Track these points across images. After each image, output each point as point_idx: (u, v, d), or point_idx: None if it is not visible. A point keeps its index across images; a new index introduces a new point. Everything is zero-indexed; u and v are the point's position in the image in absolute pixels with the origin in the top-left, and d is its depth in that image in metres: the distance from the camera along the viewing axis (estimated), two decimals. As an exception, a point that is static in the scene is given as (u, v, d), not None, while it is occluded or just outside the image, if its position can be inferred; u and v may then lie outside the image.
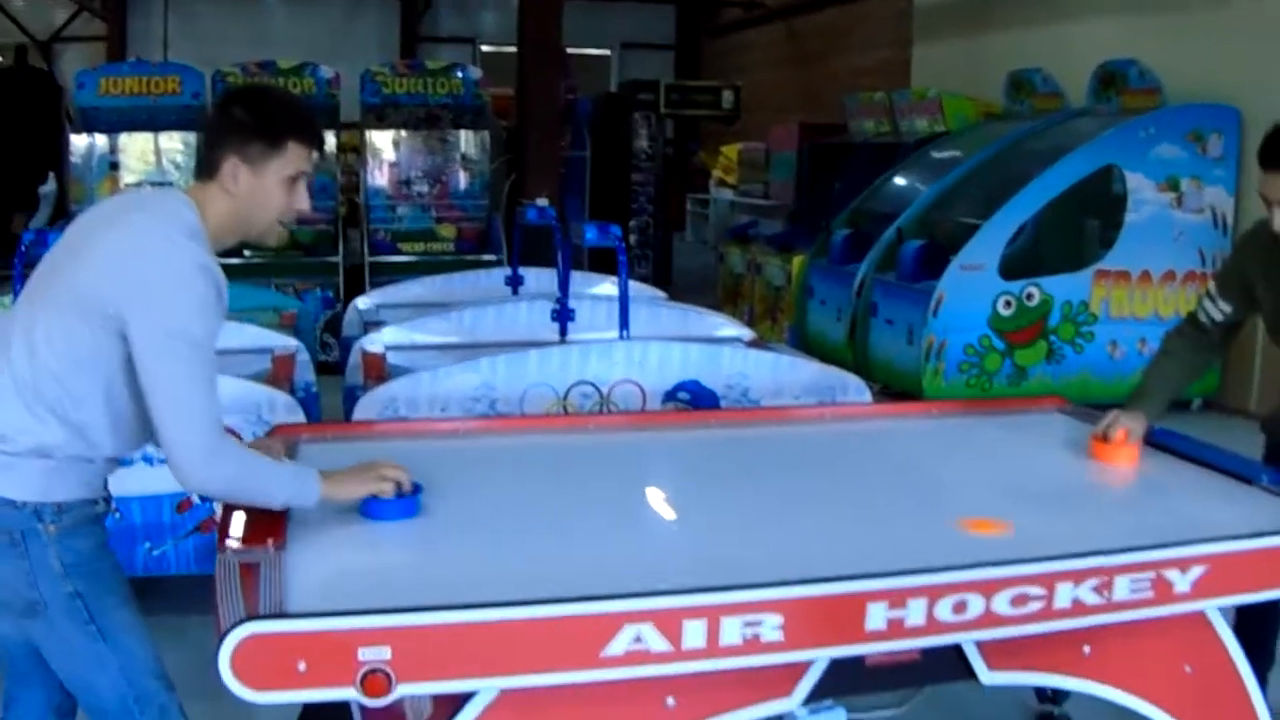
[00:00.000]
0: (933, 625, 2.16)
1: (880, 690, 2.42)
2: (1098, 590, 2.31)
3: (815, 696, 2.23)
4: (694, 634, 1.97)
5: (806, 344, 8.50)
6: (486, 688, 1.91)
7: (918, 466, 3.13)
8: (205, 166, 2.33)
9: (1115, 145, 7.56)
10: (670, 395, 4.55)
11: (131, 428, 2.28)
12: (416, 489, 2.43)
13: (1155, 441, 3.18)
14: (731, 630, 2.00)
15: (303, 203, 2.36)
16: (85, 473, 2.29)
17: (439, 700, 2.07)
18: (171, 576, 4.06)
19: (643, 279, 8.55)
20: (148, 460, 3.57)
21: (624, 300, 4.60)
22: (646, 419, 3.74)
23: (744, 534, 2.50)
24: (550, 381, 4.37)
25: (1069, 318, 7.63)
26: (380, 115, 9.11)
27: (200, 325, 2.17)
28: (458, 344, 5.20)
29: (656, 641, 1.95)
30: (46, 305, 2.22)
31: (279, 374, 4.34)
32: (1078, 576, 2.29)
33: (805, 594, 2.05)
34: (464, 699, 1.97)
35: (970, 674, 2.37)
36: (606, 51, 19.10)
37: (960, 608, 2.18)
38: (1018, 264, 7.63)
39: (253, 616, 1.76)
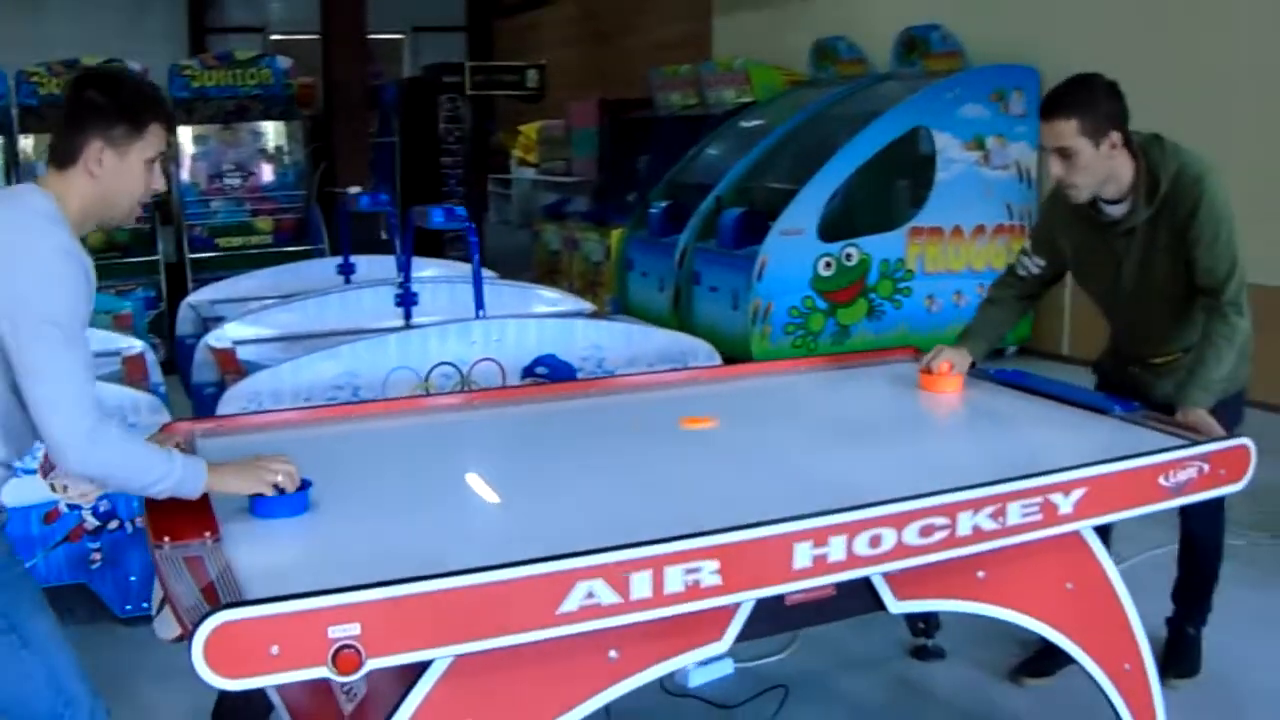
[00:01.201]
0: (851, 560, 2.29)
1: (798, 627, 2.54)
2: (993, 516, 2.48)
3: (742, 638, 2.33)
4: (640, 585, 2.04)
5: (629, 315, 8.61)
6: (442, 656, 1.94)
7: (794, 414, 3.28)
8: (62, 153, 2.27)
9: (923, 107, 7.90)
10: (529, 370, 4.59)
11: (21, 430, 2.22)
12: (305, 484, 2.35)
13: (1021, 383, 3.40)
14: (674, 579, 2.08)
15: (159, 183, 2.36)
16: None
17: (381, 676, 2.08)
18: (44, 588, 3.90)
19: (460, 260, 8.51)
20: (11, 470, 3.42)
21: (478, 280, 4.62)
22: (512, 394, 3.77)
23: (643, 494, 2.58)
24: (411, 364, 4.36)
25: (887, 275, 7.95)
26: (189, 109, 8.86)
27: (70, 310, 2.14)
28: (305, 334, 5.13)
29: (607, 595, 2.01)
30: None
31: (133, 375, 4.21)
32: (975, 505, 2.45)
33: (740, 539, 2.14)
34: (415, 672, 2.01)
35: (880, 605, 2.50)
36: (399, 35, 18.82)
37: (875, 541, 2.31)
38: (835, 226, 7.90)
39: (224, 605, 1.75)
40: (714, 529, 2.12)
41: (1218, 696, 3.51)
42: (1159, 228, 3.19)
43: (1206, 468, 2.81)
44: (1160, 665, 2.99)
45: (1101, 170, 3.11)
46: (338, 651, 1.81)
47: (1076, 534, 2.74)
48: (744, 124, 9.45)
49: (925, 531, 2.37)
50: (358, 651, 1.82)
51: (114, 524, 3.92)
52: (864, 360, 3.91)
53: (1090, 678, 2.84)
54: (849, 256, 7.85)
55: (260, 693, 2.58)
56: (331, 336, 5.05)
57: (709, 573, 2.11)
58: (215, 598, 1.86)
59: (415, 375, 4.35)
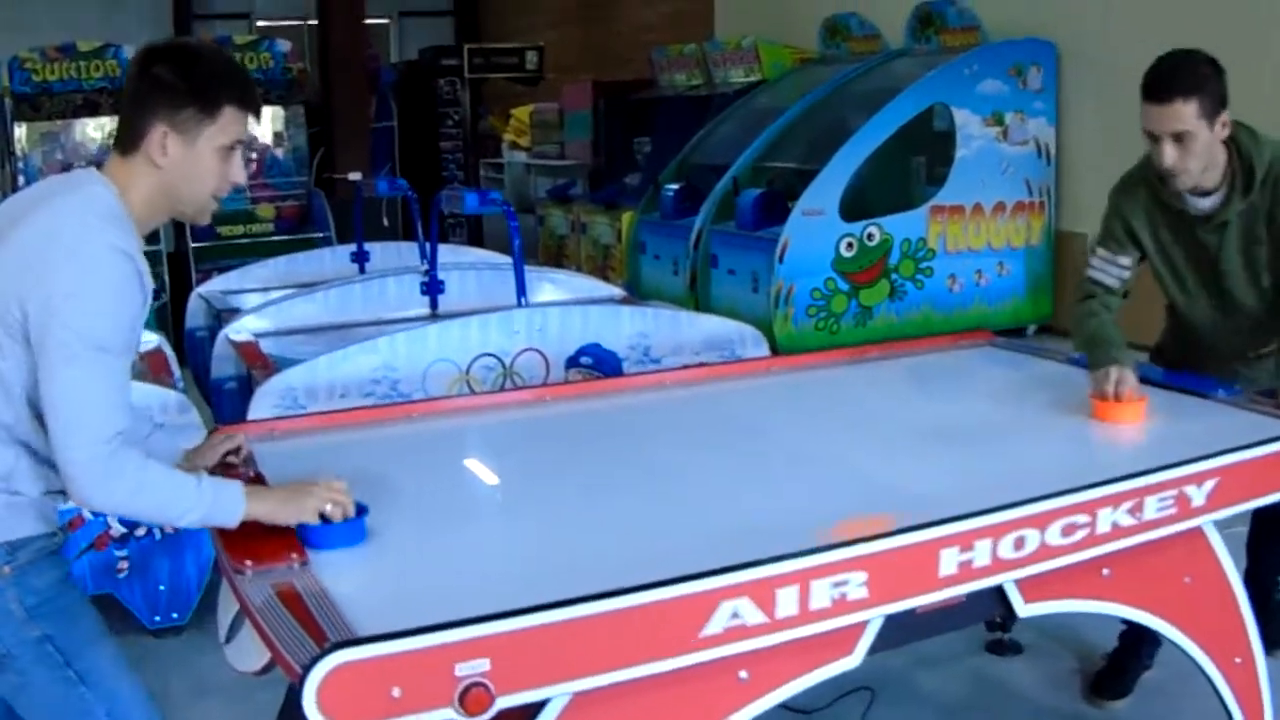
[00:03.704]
0: (996, 564, 2.12)
1: (926, 637, 2.35)
2: (1131, 512, 2.31)
3: (873, 651, 2.14)
4: (787, 602, 1.86)
5: (643, 299, 8.43)
6: (579, 689, 1.73)
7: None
8: (125, 138, 2.01)
9: (942, 83, 7.69)
10: (573, 361, 4.38)
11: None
12: (361, 510, 2.08)
13: None
14: (821, 593, 1.89)
15: (239, 175, 2.07)
16: (40, 503, 2.00)
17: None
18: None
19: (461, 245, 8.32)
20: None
21: (519, 266, 4.41)
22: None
23: (762, 495, 2.39)
24: (451, 357, 4.15)
25: (908, 254, 7.76)
26: (35, 106, 8.37)
27: (108, 320, 1.89)
28: (328, 326, 4.92)
29: (752, 614, 1.83)
30: None
31: (155, 371, 3.98)
32: (1115, 500, 2.28)
33: (887, 546, 1.96)
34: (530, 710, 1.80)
35: (1008, 609, 2.33)
36: (385, 20, 18.52)
37: (1019, 544, 2.14)
38: (855, 206, 7.70)
39: (338, 643, 1.54)
40: (861, 537, 1.92)
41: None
42: (1257, 218, 3.01)
43: None
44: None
45: (1209, 154, 2.91)
46: (466, 690, 1.60)
47: (1199, 527, 2.58)
48: (755, 103, 9.21)
49: (1067, 531, 2.21)
50: (487, 689, 1.61)
51: (141, 530, 3.69)
52: (935, 346, 3.71)
53: (1201, 671, 2.69)
54: (870, 236, 7.65)
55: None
56: (356, 328, 4.85)
57: (856, 585, 1.92)
58: (320, 633, 1.64)
59: (456, 368, 4.14)
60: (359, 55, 9.54)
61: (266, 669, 1.96)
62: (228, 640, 2.11)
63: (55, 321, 1.86)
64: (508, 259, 6.23)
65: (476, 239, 11.24)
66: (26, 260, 1.90)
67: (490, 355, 4.20)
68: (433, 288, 5.17)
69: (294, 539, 1.99)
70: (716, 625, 1.79)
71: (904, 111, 7.63)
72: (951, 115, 7.75)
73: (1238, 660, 2.75)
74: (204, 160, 2.02)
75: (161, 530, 3.70)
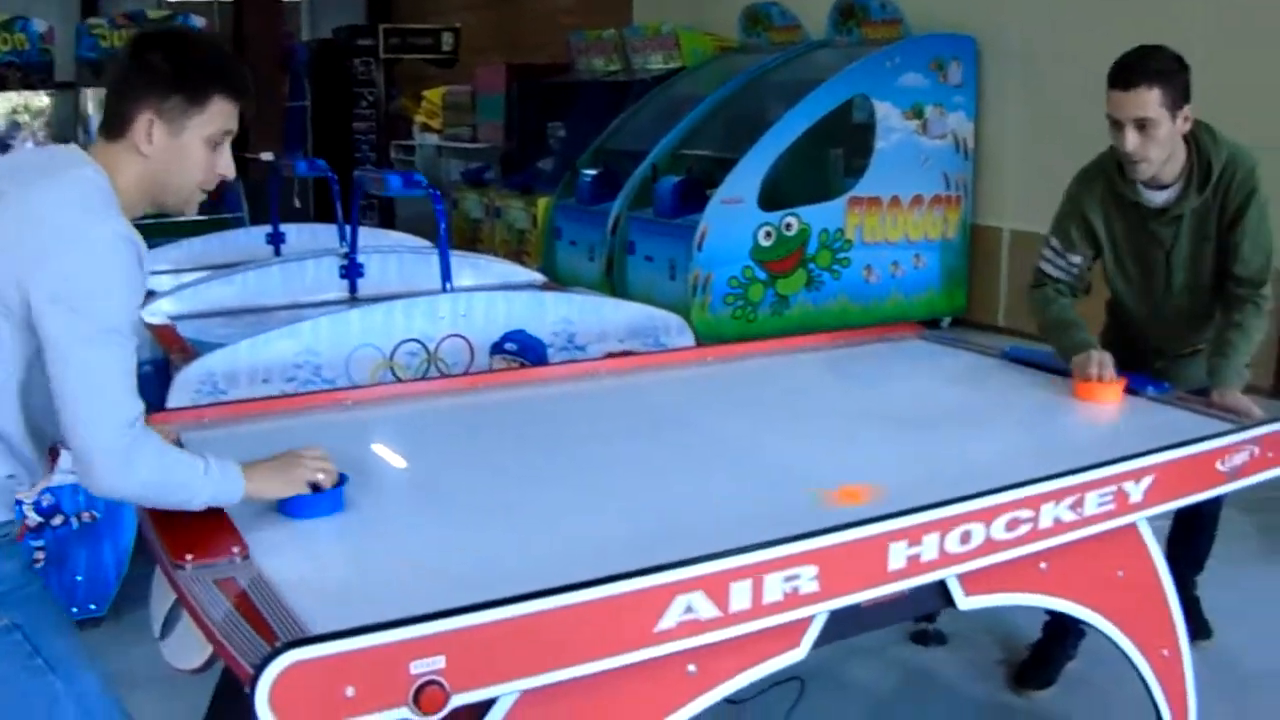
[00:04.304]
0: (944, 558, 2.13)
1: (868, 630, 2.35)
2: (1073, 507, 2.34)
3: (818, 645, 2.13)
4: (740, 596, 1.84)
5: (558, 285, 8.38)
6: (533, 685, 1.69)
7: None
8: (112, 122, 1.95)
9: (863, 75, 7.76)
10: (498, 347, 4.32)
11: (43, 434, 1.92)
12: (341, 479, 2.13)
13: (1043, 363, 3.24)
14: (774, 587, 1.87)
15: (227, 168, 2.01)
16: (3, 487, 1.93)
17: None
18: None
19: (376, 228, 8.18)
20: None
21: (444, 251, 4.33)
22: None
23: (703, 487, 2.36)
24: (375, 342, 4.06)
25: (826, 245, 7.81)
26: (97, 71, 8.31)
27: (121, 307, 1.84)
28: (246, 309, 4.79)
29: (706, 608, 1.80)
30: None
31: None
32: (1058, 495, 2.30)
33: (838, 540, 1.95)
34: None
35: (949, 603, 2.34)
36: (296, -2, 18.23)
37: (966, 537, 2.15)
38: (774, 195, 7.73)
39: (290, 643, 1.48)
40: (811, 531, 1.91)
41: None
42: (1209, 215, 3.08)
43: (1257, 451, 2.74)
44: None
45: (1170, 146, 2.98)
46: (421, 689, 1.55)
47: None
48: (674, 91, 9.20)
49: (1011, 525, 2.22)
50: (442, 687, 1.57)
51: (58, 520, 3.56)
52: (865, 337, 3.72)
53: (1129, 662, 2.74)
54: (789, 226, 7.69)
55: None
56: (274, 311, 4.74)
57: (808, 579, 1.91)
58: (270, 632, 1.58)
59: (380, 353, 4.05)
60: (273, 32, 9.37)
61: (206, 666, 1.90)
62: (162, 636, 2.03)
63: (65, 308, 1.80)
64: (426, 242, 6.16)
65: (388, 222, 11.10)
66: (22, 243, 1.83)
67: (414, 341, 4.11)
68: (352, 271, 5.08)
69: (231, 529, 1.92)
70: (670, 619, 1.76)
71: (825, 102, 7.68)
72: (871, 107, 7.82)
73: (1165, 653, 2.80)
74: (190, 150, 1.96)
75: (78, 519, 3.57)
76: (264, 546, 1.90)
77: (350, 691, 1.51)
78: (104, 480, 1.85)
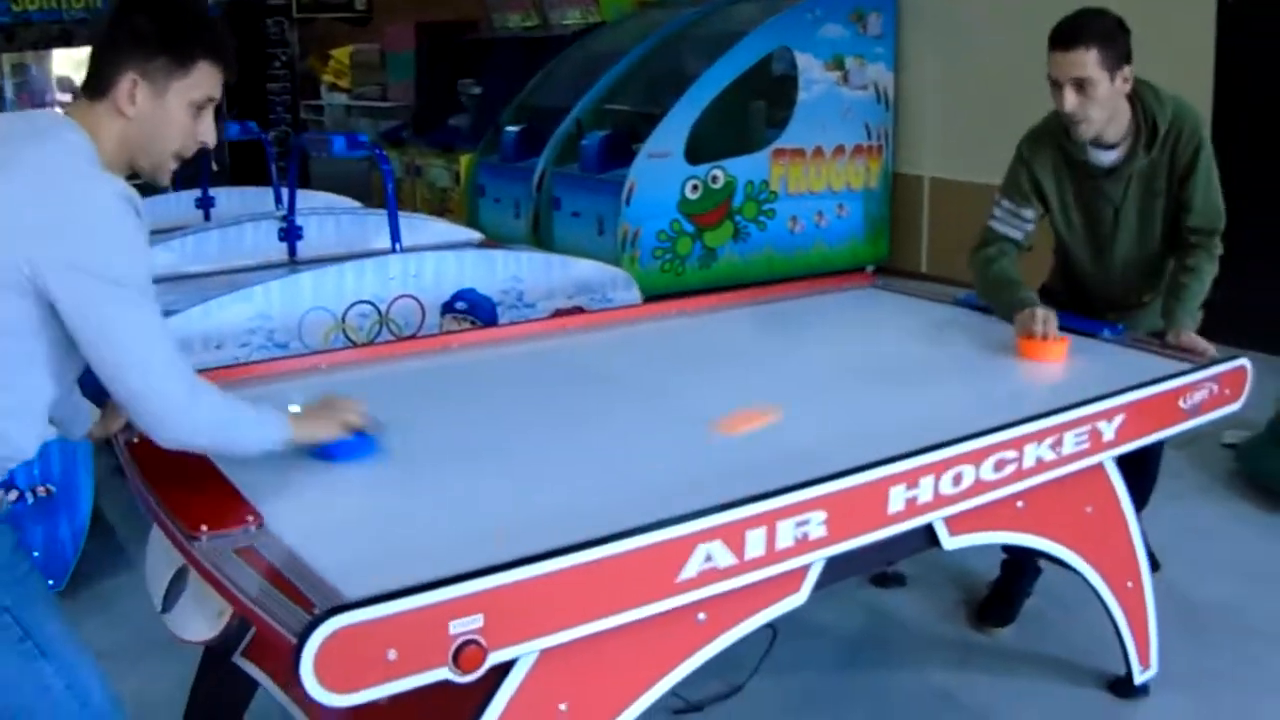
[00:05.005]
0: (938, 499, 2.18)
1: (860, 573, 2.41)
2: (1053, 447, 2.41)
3: (818, 588, 2.18)
4: (755, 543, 1.87)
5: (496, 242, 8.32)
6: (567, 639, 1.71)
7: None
8: (94, 82, 1.90)
9: (785, 27, 7.75)
10: (449, 307, 4.31)
11: (43, 410, 1.87)
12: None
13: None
14: (785, 533, 1.91)
15: (209, 134, 1.97)
16: None
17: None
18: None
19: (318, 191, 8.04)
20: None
21: (393, 211, 4.29)
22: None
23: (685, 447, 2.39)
24: (326, 305, 4.03)
25: (751, 197, 7.83)
26: (10, 35, 8.02)
27: (140, 264, 1.81)
28: (185, 274, 4.71)
29: (724, 557, 1.84)
30: None
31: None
32: (1040, 436, 2.37)
33: (844, 486, 1.99)
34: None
35: (935, 543, 2.41)
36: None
37: (958, 479, 2.20)
38: (700, 149, 7.73)
39: (333, 609, 1.47)
40: (820, 478, 1.94)
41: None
42: (1157, 173, 3.13)
43: (1216, 388, 2.85)
44: None
45: (1111, 106, 3.02)
46: (460, 648, 1.56)
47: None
48: (594, 46, 9.12)
49: (999, 466, 2.29)
50: (481, 646, 1.58)
51: (13, 495, 3.47)
52: (820, 288, 3.77)
53: (1096, 594, 2.88)
54: (715, 179, 7.70)
55: (238, 679, 2.30)
56: (214, 276, 4.66)
57: (816, 524, 1.95)
58: (305, 601, 1.57)
59: (331, 316, 4.02)
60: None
61: (217, 637, 1.89)
62: (165, 609, 2.00)
63: (89, 275, 1.75)
64: (358, 203, 6.09)
65: (305, 182, 10.90)
66: (22, 217, 1.76)
67: (366, 302, 4.09)
68: (291, 233, 5.02)
69: (238, 497, 1.90)
70: (692, 569, 1.79)
71: (749, 55, 7.66)
72: (792, 59, 7.84)
73: (1129, 584, 2.93)
74: (172, 114, 1.91)
75: (34, 494, 3.49)
76: (278, 516, 1.89)
77: (392, 655, 1.52)
78: (179, 431, 1.87)
